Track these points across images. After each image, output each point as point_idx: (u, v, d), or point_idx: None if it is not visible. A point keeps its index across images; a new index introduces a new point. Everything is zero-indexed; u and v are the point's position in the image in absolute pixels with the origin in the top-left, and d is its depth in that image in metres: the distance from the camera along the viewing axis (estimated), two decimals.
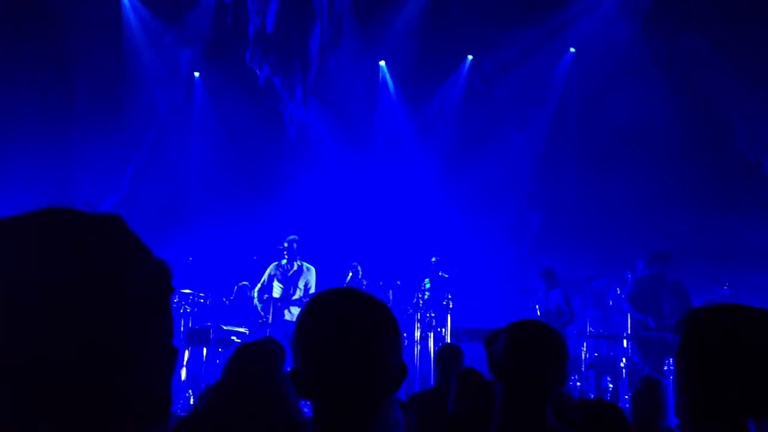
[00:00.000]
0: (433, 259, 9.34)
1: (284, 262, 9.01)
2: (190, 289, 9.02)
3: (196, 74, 12.30)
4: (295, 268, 8.96)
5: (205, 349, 8.38)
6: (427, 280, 9.27)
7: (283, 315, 8.66)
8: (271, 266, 9.09)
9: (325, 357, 1.32)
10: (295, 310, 8.58)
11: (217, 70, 12.10)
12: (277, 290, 8.87)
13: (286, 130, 12.24)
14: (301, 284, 8.89)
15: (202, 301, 9.10)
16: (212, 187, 11.81)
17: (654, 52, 11.35)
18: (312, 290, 8.84)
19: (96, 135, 11.42)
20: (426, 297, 8.91)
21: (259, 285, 9.04)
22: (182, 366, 8.38)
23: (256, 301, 8.94)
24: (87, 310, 0.72)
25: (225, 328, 8.54)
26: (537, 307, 8.96)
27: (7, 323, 0.70)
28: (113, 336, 0.74)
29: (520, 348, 2.10)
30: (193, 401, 7.23)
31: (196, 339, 8.37)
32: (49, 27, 10.74)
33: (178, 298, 8.89)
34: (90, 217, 0.80)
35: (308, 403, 1.38)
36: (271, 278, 8.98)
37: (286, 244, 8.97)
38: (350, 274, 9.11)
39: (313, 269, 9.02)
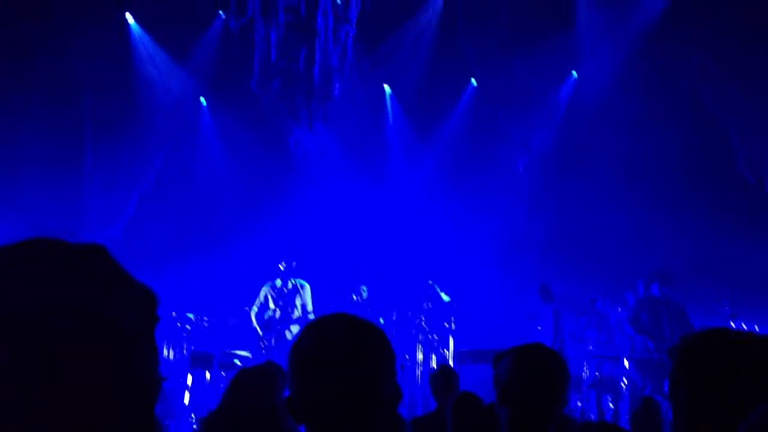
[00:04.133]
0: (430, 281, 9.33)
1: (278, 283, 9.00)
2: (193, 313, 9.04)
3: (203, 100, 12.42)
4: (290, 287, 8.95)
5: (208, 373, 8.36)
6: (427, 303, 9.28)
7: (285, 337, 8.66)
8: (266, 287, 9.09)
9: (321, 384, 1.33)
10: (296, 329, 8.59)
11: (223, 96, 12.21)
12: (276, 312, 8.87)
13: (291, 155, 12.31)
14: (298, 303, 8.88)
15: (205, 324, 9.12)
16: (218, 212, 11.87)
17: (658, 70, 11.41)
18: (309, 307, 8.83)
19: (104, 161, 11.52)
20: (425, 319, 8.90)
21: (256, 308, 9.02)
22: (185, 390, 8.38)
23: (255, 323, 8.92)
24: (66, 340, 0.72)
25: (228, 352, 8.54)
26: (539, 328, 8.95)
27: None
28: (93, 366, 0.73)
29: (526, 372, 2.12)
30: (196, 426, 7.23)
31: (199, 363, 8.35)
32: (59, 55, 10.88)
33: (182, 321, 8.90)
34: (73, 246, 0.79)
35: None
36: (267, 299, 8.98)
37: (283, 265, 8.97)
38: (354, 297, 9.13)
39: (307, 286, 9.01)
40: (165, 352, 8.80)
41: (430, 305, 9.15)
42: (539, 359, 2.15)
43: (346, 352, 1.35)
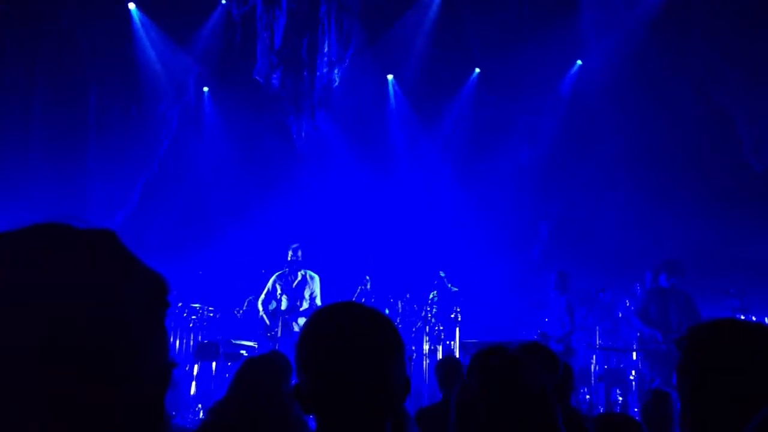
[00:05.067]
0: (442, 273, 9.31)
1: (287, 271, 8.99)
2: (199, 303, 9.05)
3: (206, 89, 12.40)
4: (299, 278, 8.94)
5: (214, 364, 8.39)
6: (434, 293, 9.26)
7: (292, 327, 8.65)
8: (275, 276, 9.08)
9: (329, 373, 1.32)
10: (303, 321, 8.57)
11: (226, 85, 12.20)
12: (283, 302, 8.86)
13: (294, 143, 12.31)
14: (306, 294, 8.88)
15: (211, 315, 9.13)
16: (222, 200, 11.88)
17: (664, 61, 11.35)
18: (317, 299, 8.82)
19: (108, 150, 11.53)
20: (434, 311, 8.89)
21: (262, 296, 9.00)
22: (192, 380, 8.40)
23: (261, 312, 8.90)
24: (76, 326, 0.71)
25: (234, 342, 8.55)
26: (546, 320, 8.94)
27: None
28: (103, 353, 0.72)
29: (485, 388, 2.08)
30: (203, 416, 7.25)
31: (205, 353, 8.38)
32: (62, 44, 10.87)
33: (188, 312, 8.92)
34: (82, 232, 0.79)
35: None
36: (275, 287, 8.96)
37: (290, 253, 8.95)
38: (359, 288, 9.12)
39: (317, 277, 8.99)
40: (171, 342, 8.80)
41: (435, 296, 9.13)
42: (499, 369, 2.08)
43: (353, 341, 1.34)
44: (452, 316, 8.65)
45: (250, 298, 9.37)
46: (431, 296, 9.17)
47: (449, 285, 9.22)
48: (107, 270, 0.76)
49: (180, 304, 8.75)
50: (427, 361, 8.45)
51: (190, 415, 7.79)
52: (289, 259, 8.97)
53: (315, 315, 1.42)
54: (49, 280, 0.73)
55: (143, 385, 0.76)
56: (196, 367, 8.48)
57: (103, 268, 0.76)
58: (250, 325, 9.20)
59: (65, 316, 0.71)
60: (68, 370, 0.71)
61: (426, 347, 8.61)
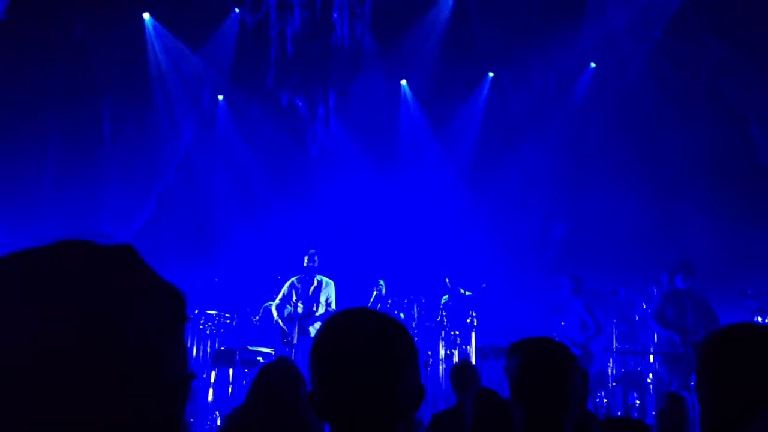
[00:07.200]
0: (447, 281, 9.25)
1: (305, 277, 9.02)
2: (215, 310, 9.09)
3: (220, 98, 12.48)
4: (315, 283, 8.97)
5: (231, 371, 8.42)
6: (445, 297, 9.24)
7: (309, 333, 8.67)
8: (290, 281, 9.10)
9: (343, 380, 1.32)
10: (318, 326, 8.56)
11: (240, 93, 12.27)
12: (299, 308, 8.89)
13: (309, 150, 12.35)
14: (322, 299, 8.91)
15: (228, 321, 9.17)
16: (237, 208, 11.93)
17: (677, 62, 11.28)
18: (333, 304, 8.85)
19: (123, 159, 11.62)
20: (446, 315, 8.86)
21: (278, 300, 9.03)
22: (209, 387, 8.44)
23: (276, 317, 8.93)
24: (95, 341, 0.72)
25: (251, 348, 8.57)
26: (562, 323, 8.90)
27: (9, 361, 0.71)
28: (122, 367, 0.73)
29: (532, 369, 2.11)
30: (220, 423, 7.29)
31: (222, 360, 8.41)
32: (75, 53, 10.97)
33: (204, 319, 8.96)
34: (102, 248, 0.80)
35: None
36: (290, 292, 8.99)
37: (307, 259, 8.99)
38: (374, 293, 9.12)
39: (332, 283, 9.02)
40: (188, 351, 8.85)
41: (448, 300, 9.11)
42: (547, 354, 2.12)
43: (364, 348, 1.34)
44: (468, 320, 8.62)
45: (267, 304, 9.40)
46: (443, 300, 9.16)
47: (462, 290, 9.19)
48: (126, 285, 0.78)
49: (196, 312, 8.80)
50: (443, 366, 8.43)
51: (208, 422, 7.83)
52: (305, 264, 9.00)
53: (327, 322, 1.43)
54: (69, 295, 0.74)
55: (163, 398, 0.77)
56: (213, 374, 8.52)
57: (122, 284, 0.77)
58: (267, 332, 9.22)
59: (84, 331, 0.72)
60: (87, 383, 0.71)
61: (442, 352, 8.60)
